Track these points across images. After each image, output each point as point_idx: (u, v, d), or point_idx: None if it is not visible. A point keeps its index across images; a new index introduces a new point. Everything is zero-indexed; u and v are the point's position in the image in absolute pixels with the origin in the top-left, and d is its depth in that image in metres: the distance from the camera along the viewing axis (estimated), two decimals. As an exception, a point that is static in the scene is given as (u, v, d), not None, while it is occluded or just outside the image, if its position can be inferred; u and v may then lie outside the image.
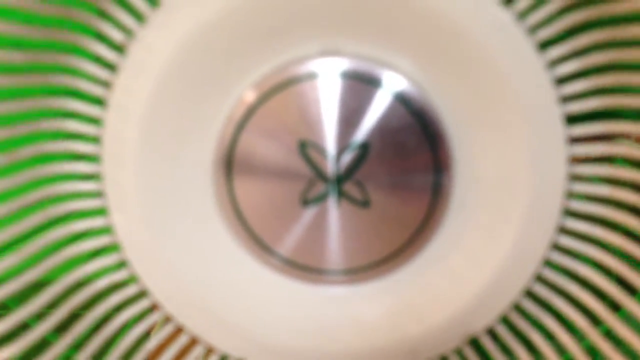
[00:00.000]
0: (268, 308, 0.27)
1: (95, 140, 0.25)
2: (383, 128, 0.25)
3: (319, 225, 0.26)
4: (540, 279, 0.26)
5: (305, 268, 0.26)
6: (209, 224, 0.26)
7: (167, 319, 0.27)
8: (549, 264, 0.26)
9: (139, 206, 0.26)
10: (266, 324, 0.27)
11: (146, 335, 0.27)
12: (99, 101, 0.25)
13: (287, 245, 0.26)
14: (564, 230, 0.26)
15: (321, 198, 0.25)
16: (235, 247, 0.26)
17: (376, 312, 0.26)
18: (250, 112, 0.25)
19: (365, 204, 0.25)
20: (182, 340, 0.27)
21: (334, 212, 0.25)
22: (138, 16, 0.24)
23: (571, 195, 0.25)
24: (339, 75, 0.24)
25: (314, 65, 0.24)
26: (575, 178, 0.25)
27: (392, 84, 0.24)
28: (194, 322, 0.27)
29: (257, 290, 0.26)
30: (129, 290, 0.27)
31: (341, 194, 0.25)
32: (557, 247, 0.26)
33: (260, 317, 0.27)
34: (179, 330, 0.27)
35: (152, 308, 0.27)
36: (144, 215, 0.26)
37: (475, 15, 0.23)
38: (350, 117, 0.25)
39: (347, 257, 0.26)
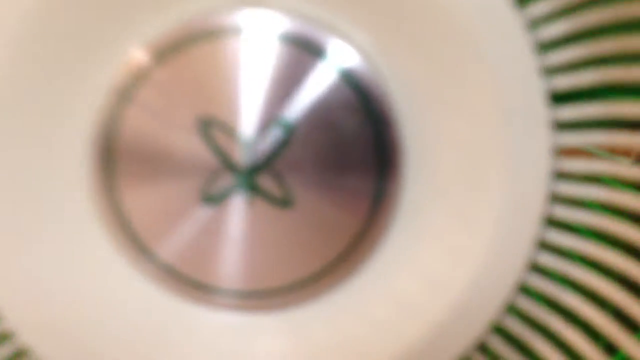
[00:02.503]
0: (136, 327, 0.21)
1: None
2: (316, 107, 0.20)
3: (220, 228, 0.20)
4: (513, 309, 0.21)
5: (193, 282, 0.20)
6: (84, 226, 0.21)
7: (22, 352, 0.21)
8: (525, 289, 0.21)
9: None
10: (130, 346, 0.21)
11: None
12: None
13: (172, 248, 0.20)
14: (544, 245, 0.21)
15: (227, 193, 0.20)
16: (114, 252, 0.21)
17: (291, 350, 0.21)
18: (139, 78, 0.19)
19: (285, 203, 0.20)
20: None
21: (242, 211, 0.20)
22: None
23: (556, 198, 0.20)
24: (262, 33, 0.19)
25: (231, 18, 0.19)
26: (561, 176, 0.20)
27: (335, 53, 0.19)
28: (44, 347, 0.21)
29: (125, 303, 0.21)
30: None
31: (254, 189, 0.20)
32: (536, 268, 0.21)
33: (124, 339, 0.21)
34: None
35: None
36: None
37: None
38: (273, 92, 0.19)
39: (254, 275, 0.20)
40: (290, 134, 0.19)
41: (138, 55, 0.19)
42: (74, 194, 0.20)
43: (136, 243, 0.20)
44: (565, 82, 0.19)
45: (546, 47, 0.19)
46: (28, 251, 0.21)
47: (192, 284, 0.21)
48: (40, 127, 0.20)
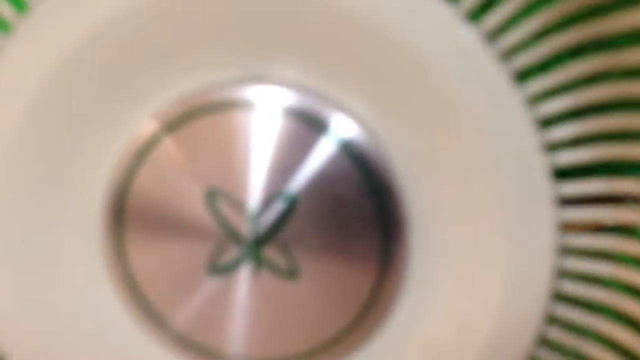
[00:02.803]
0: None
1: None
2: (318, 179, 0.19)
3: (228, 298, 0.20)
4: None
5: (203, 350, 0.20)
6: (95, 288, 0.21)
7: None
8: (534, 364, 0.20)
9: (6, 269, 0.21)
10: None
11: None
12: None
13: (182, 316, 0.20)
14: (554, 320, 0.20)
15: (234, 264, 0.20)
16: (124, 315, 0.21)
17: None
18: (148, 148, 0.20)
19: (291, 274, 0.20)
20: None
21: (249, 282, 0.20)
22: (2, 25, 0.19)
23: (563, 274, 0.19)
24: (268, 107, 0.19)
25: (239, 92, 0.19)
26: (568, 252, 0.19)
27: (337, 126, 0.19)
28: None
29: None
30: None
31: (260, 260, 0.20)
32: (546, 342, 0.20)
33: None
34: None
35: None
36: (12, 279, 0.21)
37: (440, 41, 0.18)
38: (278, 165, 0.19)
39: (263, 346, 0.20)
40: (294, 205, 0.19)
41: (151, 124, 0.19)
42: (88, 258, 0.21)
43: (147, 309, 0.20)
44: (567, 158, 0.18)
45: (547, 123, 0.18)
46: (44, 307, 0.21)
47: (201, 352, 0.20)
48: (58, 193, 0.20)
